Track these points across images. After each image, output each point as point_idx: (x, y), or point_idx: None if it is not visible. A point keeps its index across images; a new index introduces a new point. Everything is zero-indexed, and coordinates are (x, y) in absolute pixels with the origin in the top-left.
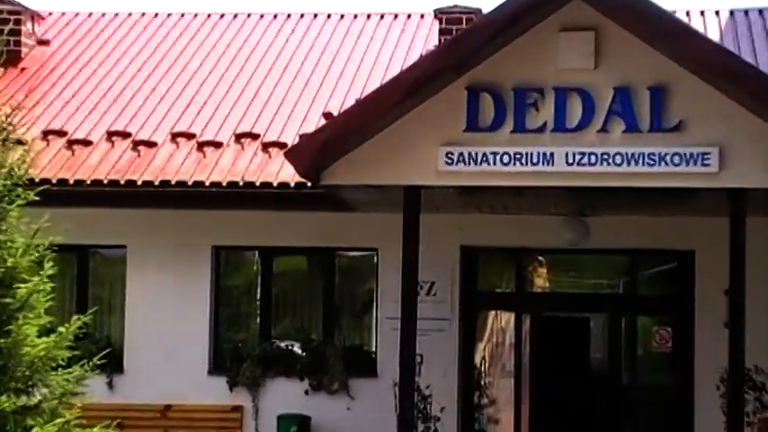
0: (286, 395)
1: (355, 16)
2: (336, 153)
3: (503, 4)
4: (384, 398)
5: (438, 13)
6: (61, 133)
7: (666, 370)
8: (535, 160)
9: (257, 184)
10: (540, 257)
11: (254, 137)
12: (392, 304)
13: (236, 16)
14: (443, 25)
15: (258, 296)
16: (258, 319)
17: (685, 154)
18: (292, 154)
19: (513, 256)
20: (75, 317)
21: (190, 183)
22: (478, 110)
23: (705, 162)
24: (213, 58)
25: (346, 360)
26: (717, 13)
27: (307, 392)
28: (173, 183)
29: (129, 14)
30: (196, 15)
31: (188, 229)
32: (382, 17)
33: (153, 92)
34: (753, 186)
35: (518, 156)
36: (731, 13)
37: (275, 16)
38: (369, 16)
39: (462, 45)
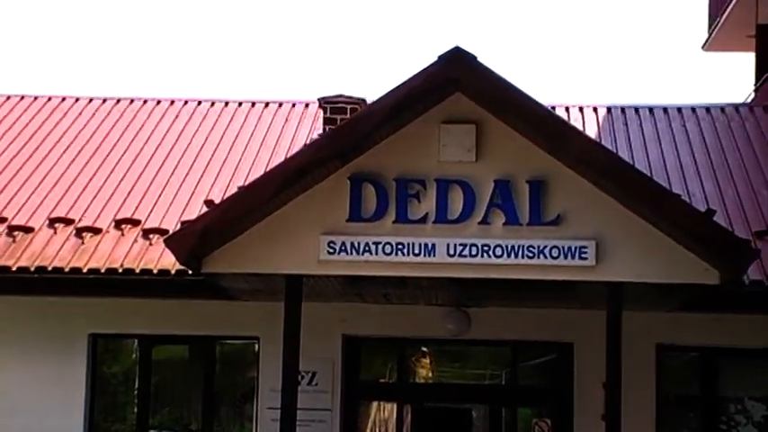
0: None
1: (240, 104)
2: (217, 241)
3: (386, 95)
4: None
5: (322, 102)
6: None
7: None
8: (417, 251)
9: (137, 270)
10: (424, 348)
11: (135, 223)
12: (273, 394)
13: (118, 101)
14: (328, 114)
15: (136, 385)
16: (136, 409)
17: (563, 247)
18: (173, 241)
19: (395, 346)
20: None
21: (67, 269)
22: (361, 199)
23: (582, 255)
24: (94, 143)
25: None
26: (595, 109)
27: None
28: (49, 269)
29: (8, 97)
30: (77, 100)
31: (64, 317)
32: (267, 105)
33: (30, 177)
34: (628, 280)
35: (400, 246)
36: (608, 109)
37: (158, 102)
38: (253, 104)
39: (346, 134)
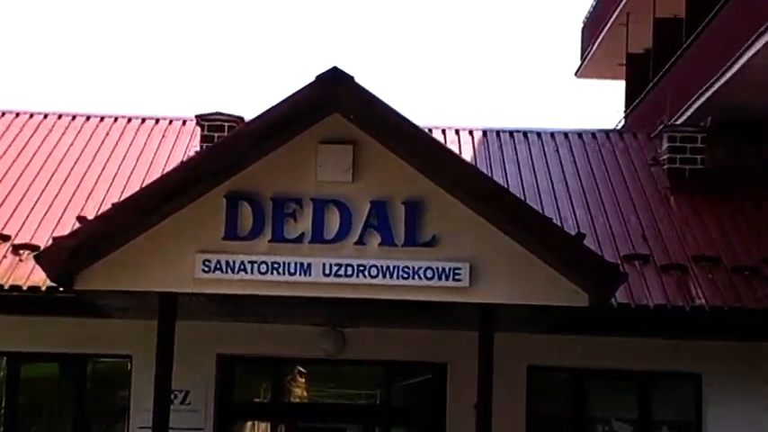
0: None
1: (115, 119)
2: (90, 257)
3: (264, 114)
4: None
5: (200, 120)
6: None
7: None
8: (293, 270)
9: (6, 287)
10: (300, 368)
11: (5, 238)
12: (145, 413)
13: None
14: (206, 132)
15: (3, 404)
16: (2, 429)
17: (438, 268)
18: (44, 257)
19: (271, 366)
20: None
21: None
22: (237, 218)
23: (456, 277)
24: None
25: None
26: (471, 132)
27: None
28: None
29: None
30: None
31: None
32: (143, 121)
33: None
34: (501, 302)
35: (276, 265)
36: (484, 133)
37: (31, 116)
38: (129, 119)
39: (222, 152)
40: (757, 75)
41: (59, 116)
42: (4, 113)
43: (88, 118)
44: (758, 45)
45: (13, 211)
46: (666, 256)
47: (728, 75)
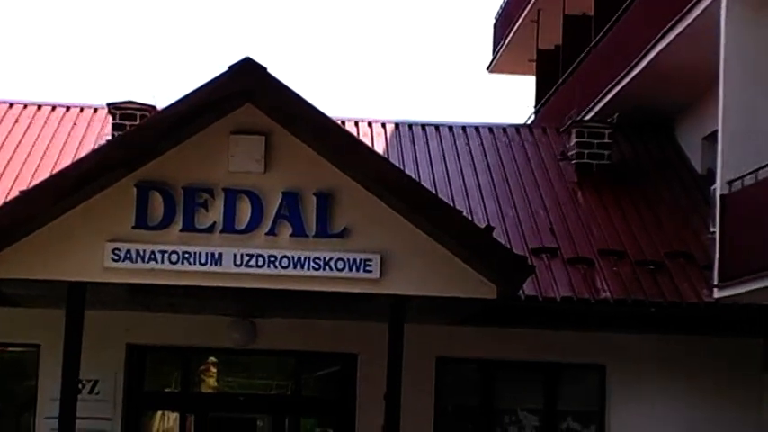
0: None
1: (25, 106)
2: (1, 244)
3: (176, 103)
4: None
5: (112, 108)
6: None
7: None
8: (204, 260)
9: None
10: (212, 357)
11: None
12: (53, 403)
13: None
14: (117, 120)
15: None
16: None
17: (348, 260)
18: None
19: (181, 356)
20: None
21: None
22: (148, 207)
23: (367, 268)
24: None
25: None
26: (383, 125)
27: None
28: None
29: None
30: None
31: None
32: (54, 108)
33: None
34: (411, 293)
35: (186, 255)
36: (396, 125)
37: None
38: (39, 107)
39: (133, 141)
40: (662, 72)
41: None
42: None
43: None
44: (664, 43)
45: None
46: (573, 249)
47: (635, 72)
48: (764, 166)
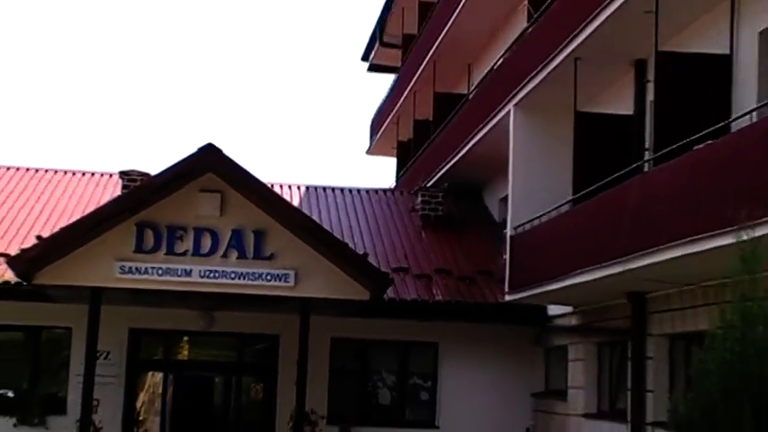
0: (2, 427)
1: (65, 172)
2: (44, 263)
3: (162, 172)
4: (71, 429)
5: (122, 174)
6: None
7: (259, 411)
8: (179, 273)
9: None
10: (185, 337)
11: None
12: (80, 366)
13: None
14: (125, 182)
15: None
16: None
17: (274, 274)
18: (12, 262)
19: (164, 336)
20: None
21: None
22: (143, 239)
23: (286, 280)
24: None
25: (45, 403)
26: (299, 187)
27: (15, 425)
28: None
29: None
30: None
31: None
32: (84, 174)
33: None
34: (314, 296)
35: (169, 270)
36: (307, 188)
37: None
38: (65, 172)
39: (134, 196)
40: (473, 159)
41: (17, 168)
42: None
43: (37, 170)
44: (474, 140)
45: None
46: (418, 268)
47: (457, 158)
48: (532, 220)
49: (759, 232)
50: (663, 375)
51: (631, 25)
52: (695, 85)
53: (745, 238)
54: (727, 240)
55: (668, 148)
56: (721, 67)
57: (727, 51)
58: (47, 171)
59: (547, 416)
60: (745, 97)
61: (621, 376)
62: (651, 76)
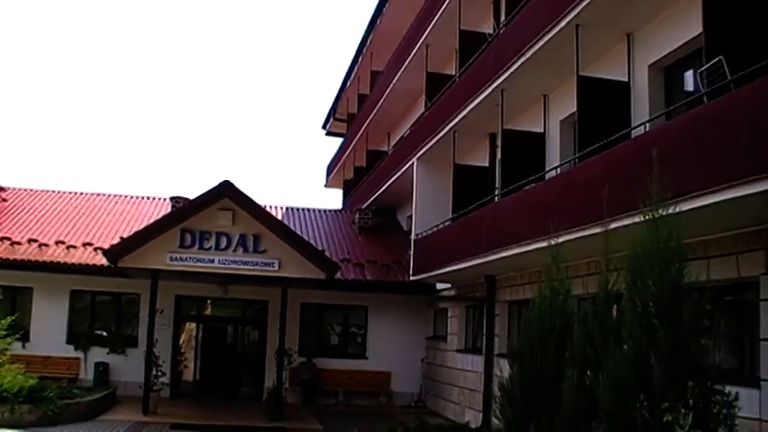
0: (99, 354)
1: (143, 197)
2: (124, 253)
3: (196, 198)
4: (140, 357)
5: (172, 199)
6: None
7: (255, 347)
8: (206, 261)
9: (91, 264)
10: (209, 300)
11: (90, 244)
12: (146, 318)
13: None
14: (173, 203)
15: (89, 316)
16: (87, 322)
17: (267, 262)
18: (105, 252)
19: (197, 300)
20: None
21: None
22: (184, 239)
23: (273, 266)
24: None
25: (125, 339)
26: (283, 207)
27: (108, 353)
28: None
29: None
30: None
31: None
32: (149, 198)
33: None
34: (291, 276)
35: (200, 259)
36: (287, 208)
37: (80, 193)
38: (147, 198)
39: (179, 213)
40: (392, 192)
41: (106, 195)
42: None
43: (108, 195)
44: (392, 179)
45: (96, 233)
46: (356, 259)
47: (380, 191)
48: (426, 230)
49: (561, 239)
50: (504, 326)
51: (487, 112)
52: (524, 150)
53: (553, 242)
54: (543, 244)
55: (509, 188)
56: (539, 140)
57: (542, 131)
58: (121, 196)
59: (434, 351)
60: (553, 159)
61: (480, 326)
62: (499, 143)
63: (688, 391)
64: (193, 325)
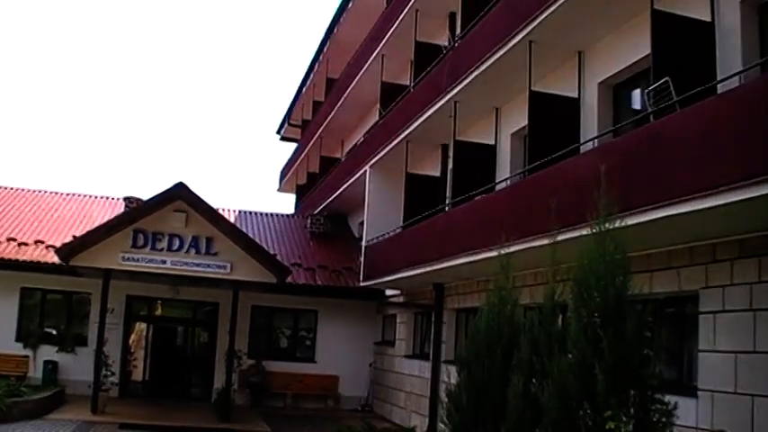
0: (49, 352)
1: (95, 196)
2: (77, 252)
3: (150, 199)
4: (90, 356)
5: (125, 199)
6: None
7: (205, 349)
8: (158, 262)
9: (42, 262)
10: (160, 301)
11: (42, 242)
12: (96, 316)
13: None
14: (126, 204)
15: (38, 314)
16: (37, 320)
17: (218, 264)
18: (58, 251)
19: (149, 300)
20: None
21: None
22: (137, 239)
23: (225, 268)
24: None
25: (74, 338)
26: (235, 211)
27: (57, 351)
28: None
29: None
30: None
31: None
32: (98, 197)
33: None
34: (243, 279)
35: (152, 260)
36: (240, 211)
37: (34, 190)
38: (83, 195)
39: (131, 213)
40: (343, 198)
41: (59, 193)
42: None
43: (61, 193)
44: (344, 186)
45: (51, 231)
46: (307, 263)
47: (333, 197)
48: (377, 237)
49: (511, 249)
50: (452, 333)
51: (440, 123)
52: (476, 162)
53: (503, 252)
54: (492, 254)
55: (460, 198)
56: (490, 152)
57: (493, 143)
58: (75, 195)
59: (382, 356)
60: (503, 171)
61: (427, 333)
62: (451, 154)
63: (630, 400)
64: (144, 325)
